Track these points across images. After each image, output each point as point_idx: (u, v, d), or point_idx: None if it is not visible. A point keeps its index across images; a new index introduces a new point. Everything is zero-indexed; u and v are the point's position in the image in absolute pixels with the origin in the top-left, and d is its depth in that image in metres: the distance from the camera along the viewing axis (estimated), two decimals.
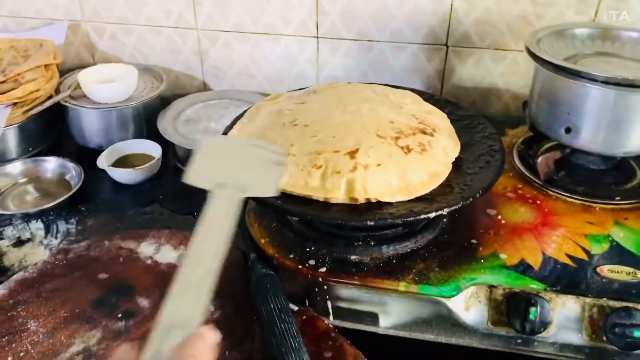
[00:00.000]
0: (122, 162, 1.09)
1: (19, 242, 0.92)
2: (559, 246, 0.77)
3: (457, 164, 0.78)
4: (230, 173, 0.58)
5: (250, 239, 0.79)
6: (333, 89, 0.90)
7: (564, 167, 0.91)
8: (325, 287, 0.74)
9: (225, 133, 0.86)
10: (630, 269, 0.73)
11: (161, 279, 0.78)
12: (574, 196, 0.85)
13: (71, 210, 0.99)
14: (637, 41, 0.90)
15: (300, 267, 0.74)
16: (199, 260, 0.46)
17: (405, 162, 0.72)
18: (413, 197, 0.71)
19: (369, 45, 1.17)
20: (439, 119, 0.83)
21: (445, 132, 0.80)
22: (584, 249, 0.77)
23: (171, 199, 1.03)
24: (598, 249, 0.77)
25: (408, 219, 0.68)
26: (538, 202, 0.86)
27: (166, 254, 0.83)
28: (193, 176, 0.59)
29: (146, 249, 0.84)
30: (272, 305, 0.69)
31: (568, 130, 0.84)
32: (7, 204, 1.00)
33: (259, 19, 1.19)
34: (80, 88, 1.12)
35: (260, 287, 0.72)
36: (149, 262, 0.81)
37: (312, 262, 0.74)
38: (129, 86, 1.13)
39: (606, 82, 0.77)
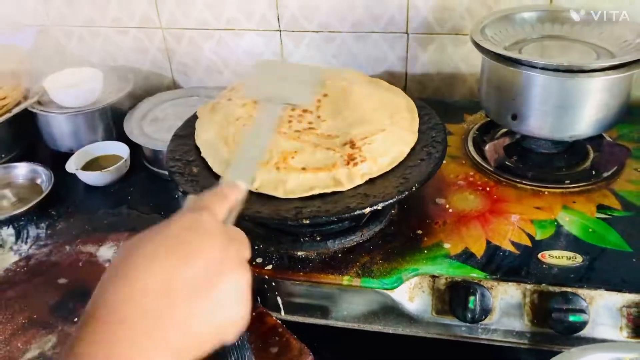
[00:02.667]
0: (93, 164, 1.11)
1: None
2: (504, 233, 0.78)
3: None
4: (275, 88, 0.69)
5: None
6: None
7: (515, 152, 0.91)
8: (273, 284, 0.75)
9: (182, 136, 0.88)
10: (571, 254, 0.74)
11: None
12: (524, 182, 0.86)
13: (42, 215, 1.01)
14: (585, 21, 0.90)
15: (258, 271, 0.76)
16: (253, 143, 0.58)
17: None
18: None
19: (331, 36, 1.17)
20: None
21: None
22: (529, 235, 0.78)
23: (139, 199, 1.05)
24: (543, 235, 0.78)
25: (343, 216, 0.69)
26: (488, 189, 0.86)
27: None
28: (248, 92, 0.76)
29: (105, 252, 0.86)
30: None
31: (514, 117, 0.84)
32: None
33: (220, 14, 1.19)
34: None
35: None
36: (106, 265, 0.83)
37: (259, 259, 0.76)
38: (94, 89, 1.15)
39: (545, 68, 0.77)
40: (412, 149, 0.79)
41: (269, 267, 0.75)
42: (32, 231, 0.98)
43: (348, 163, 0.74)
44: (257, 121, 0.62)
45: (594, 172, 0.87)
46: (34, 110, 1.13)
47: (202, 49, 1.25)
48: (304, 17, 1.16)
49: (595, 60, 0.80)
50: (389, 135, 0.77)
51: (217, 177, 0.77)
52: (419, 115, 0.86)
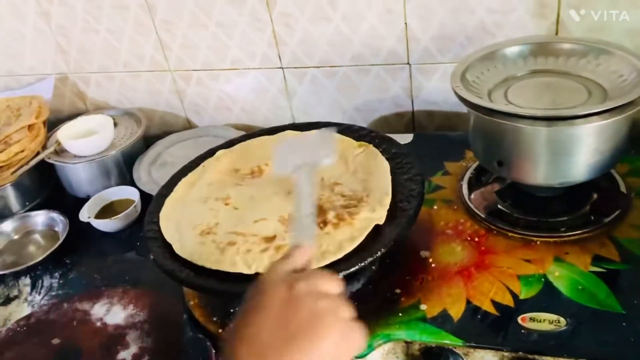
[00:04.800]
0: (107, 209, 1.15)
1: (7, 300, 1.00)
2: (487, 292, 0.75)
3: None
4: (300, 158, 0.73)
5: (183, 300, 0.82)
6: None
7: (510, 195, 0.86)
8: None
9: (171, 187, 0.89)
10: (555, 317, 0.69)
11: (106, 342, 0.83)
12: (515, 230, 0.81)
13: (57, 264, 1.06)
14: (571, 52, 0.83)
15: (220, 330, 0.76)
16: (302, 205, 0.62)
17: (320, 238, 0.72)
18: (319, 265, 0.70)
19: (333, 71, 1.16)
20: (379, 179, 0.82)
21: (376, 193, 0.79)
22: (512, 294, 0.73)
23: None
24: (528, 293, 0.73)
25: None
26: (477, 239, 0.82)
27: (115, 315, 0.88)
28: (276, 170, 0.77)
29: (99, 310, 0.89)
30: None
31: (500, 164, 0.80)
32: (3, 262, 1.08)
33: (224, 56, 1.20)
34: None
35: (188, 352, 0.75)
36: (98, 324, 0.86)
37: (215, 318, 0.76)
38: (105, 138, 1.19)
39: (527, 117, 0.72)
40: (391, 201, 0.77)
41: None
42: (47, 281, 1.03)
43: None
44: (299, 187, 0.66)
45: (592, 218, 0.81)
46: (50, 161, 1.18)
47: (210, 88, 1.26)
48: (304, 54, 1.15)
49: (582, 106, 0.74)
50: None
51: None
52: (402, 163, 0.83)
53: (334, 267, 0.68)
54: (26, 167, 1.16)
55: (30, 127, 1.20)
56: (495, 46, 0.87)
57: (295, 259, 0.52)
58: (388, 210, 0.75)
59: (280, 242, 0.73)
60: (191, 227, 0.79)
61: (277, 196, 0.82)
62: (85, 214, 1.11)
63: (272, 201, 0.81)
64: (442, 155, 1.00)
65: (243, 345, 0.45)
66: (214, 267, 0.71)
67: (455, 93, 0.79)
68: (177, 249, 0.76)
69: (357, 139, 0.90)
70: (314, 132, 0.87)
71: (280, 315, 0.46)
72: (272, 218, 0.78)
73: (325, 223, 0.74)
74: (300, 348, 0.45)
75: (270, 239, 0.74)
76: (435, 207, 0.89)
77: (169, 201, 0.85)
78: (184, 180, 0.89)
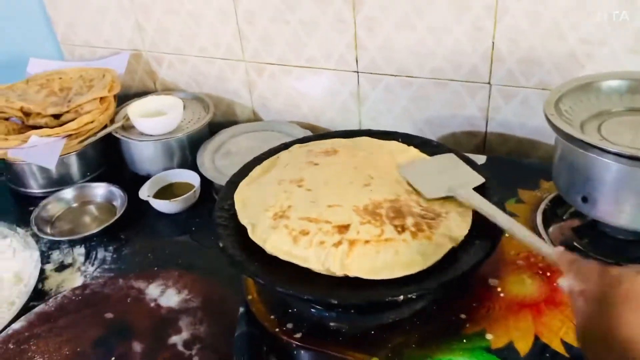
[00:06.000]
0: (166, 190, 1.16)
1: (61, 267, 1.01)
2: (557, 330, 0.71)
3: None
4: (448, 179, 0.79)
5: (241, 292, 0.81)
6: (354, 151, 0.89)
7: (588, 234, 0.83)
8: (302, 351, 0.74)
9: (244, 174, 0.88)
10: None
11: (159, 324, 0.83)
12: None
13: (112, 238, 1.07)
14: None
15: (277, 329, 0.75)
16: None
17: (395, 242, 0.70)
18: (395, 277, 0.68)
19: (409, 81, 1.14)
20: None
21: (454, 212, 0.76)
22: None
23: (203, 231, 1.08)
24: None
25: (373, 300, 0.66)
26: (549, 274, 0.79)
27: (169, 298, 0.87)
28: (427, 194, 0.78)
29: (153, 290, 0.89)
30: None
31: (585, 200, 0.76)
32: (60, 229, 1.10)
33: (301, 53, 1.20)
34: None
35: (238, 346, 0.74)
36: (152, 304, 0.86)
37: (290, 325, 0.75)
38: (174, 119, 1.19)
39: (618, 154, 0.69)
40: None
41: (298, 334, 0.74)
42: (100, 253, 1.04)
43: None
44: (478, 207, 0.73)
45: None
46: (117, 136, 1.19)
47: (282, 83, 1.25)
48: (383, 60, 1.13)
49: None
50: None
51: None
52: (484, 187, 0.81)
53: (406, 281, 0.66)
54: (93, 139, 1.18)
55: (101, 99, 1.21)
56: (591, 78, 0.84)
57: None
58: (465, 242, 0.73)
59: (354, 235, 0.71)
60: (264, 208, 0.77)
61: (353, 186, 0.80)
62: (145, 192, 1.11)
63: (347, 190, 0.79)
64: (516, 182, 0.97)
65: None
66: (286, 258, 0.70)
67: (549, 121, 0.76)
68: (250, 232, 0.75)
69: (432, 154, 0.88)
70: (436, 156, 0.88)
71: None
72: (347, 206, 0.75)
73: (403, 229, 0.72)
74: None
75: (343, 229, 0.72)
76: (506, 234, 0.86)
77: (243, 183, 0.84)
78: (258, 167, 0.88)
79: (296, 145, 0.93)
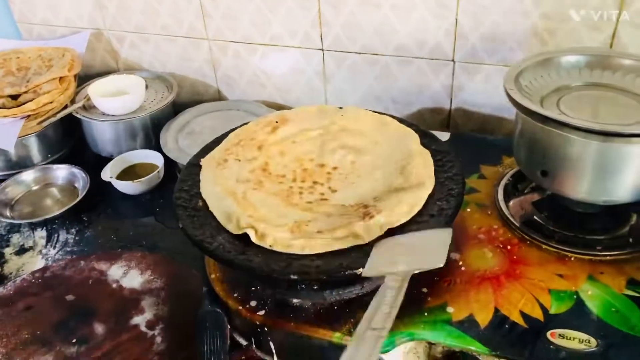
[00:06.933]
0: (129, 171, 1.14)
1: (22, 250, 0.99)
2: (516, 302, 0.73)
3: None
4: (402, 259, 0.66)
5: (203, 271, 0.81)
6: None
7: (547, 207, 0.84)
8: (266, 329, 0.74)
9: (204, 155, 0.87)
10: (585, 336, 0.67)
11: (121, 305, 0.82)
12: (550, 243, 0.79)
13: (74, 220, 1.05)
14: (630, 69, 0.81)
15: (240, 307, 0.74)
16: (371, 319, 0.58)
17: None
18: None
19: (374, 59, 1.13)
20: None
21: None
22: (542, 308, 0.72)
23: (167, 212, 1.06)
24: (558, 308, 0.71)
25: (335, 275, 0.66)
26: (509, 247, 0.80)
27: (132, 279, 0.86)
28: (366, 270, 0.66)
29: (115, 271, 0.88)
30: (205, 347, 0.71)
31: (544, 174, 0.77)
32: (20, 212, 1.07)
33: (265, 30, 1.18)
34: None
35: (201, 325, 0.74)
36: (114, 285, 0.85)
37: (253, 303, 0.75)
38: (136, 99, 1.17)
39: (577, 128, 0.70)
40: (429, 198, 0.75)
41: (261, 312, 0.74)
42: (62, 236, 1.02)
43: (364, 217, 0.70)
44: (381, 295, 0.61)
45: (631, 240, 0.79)
46: (78, 116, 1.16)
47: (247, 62, 1.24)
48: (348, 38, 1.13)
49: (635, 124, 0.72)
50: (402, 191, 0.74)
51: None
52: (442, 161, 0.81)
53: (366, 259, 0.67)
54: (53, 119, 1.15)
55: (61, 79, 1.18)
56: (550, 53, 0.85)
57: None
58: (426, 208, 0.73)
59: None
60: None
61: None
62: (108, 174, 1.09)
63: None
64: (479, 158, 0.98)
65: None
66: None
67: (509, 96, 0.76)
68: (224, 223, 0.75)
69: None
70: (430, 231, 0.72)
71: None
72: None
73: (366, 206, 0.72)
74: None
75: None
76: (468, 209, 0.87)
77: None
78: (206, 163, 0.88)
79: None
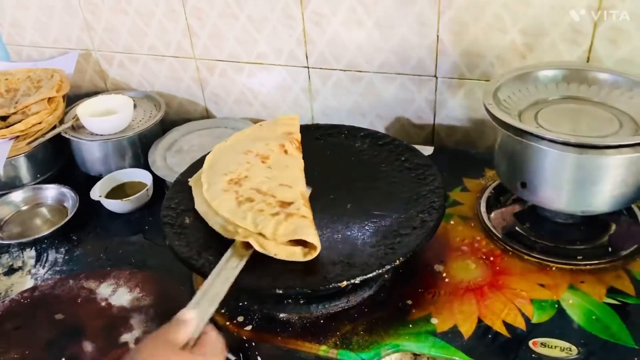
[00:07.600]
0: (118, 190, 1.14)
1: (10, 271, 0.99)
2: (499, 312, 0.74)
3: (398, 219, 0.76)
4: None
5: (192, 288, 0.82)
6: None
7: (529, 218, 0.86)
8: (253, 343, 0.75)
9: (191, 173, 0.89)
10: (566, 344, 0.69)
11: (110, 323, 0.82)
12: (532, 254, 0.81)
13: (63, 239, 1.05)
14: (605, 82, 0.83)
15: (228, 323, 0.75)
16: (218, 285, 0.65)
17: None
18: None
19: (359, 76, 1.15)
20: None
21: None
22: (525, 317, 0.73)
23: (156, 229, 1.07)
24: (540, 318, 0.73)
25: (319, 288, 0.67)
26: (492, 258, 0.82)
27: (121, 297, 0.87)
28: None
29: (104, 289, 0.88)
30: None
31: (524, 185, 0.79)
32: (9, 232, 1.07)
33: (251, 49, 1.20)
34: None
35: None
36: (103, 304, 0.86)
37: (240, 318, 0.76)
38: (124, 118, 1.18)
39: (554, 141, 0.72)
40: (409, 214, 0.76)
41: (249, 327, 0.75)
42: (52, 255, 1.02)
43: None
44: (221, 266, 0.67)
45: (610, 249, 0.81)
46: (67, 136, 1.17)
47: (234, 80, 1.26)
48: (332, 56, 1.15)
49: (611, 136, 0.74)
50: None
51: (206, 231, 0.77)
52: (424, 174, 0.83)
53: (350, 272, 0.68)
54: (42, 140, 1.16)
55: (50, 100, 1.20)
56: (528, 68, 0.87)
57: (179, 333, 0.57)
58: (408, 220, 0.75)
59: (293, 210, 0.74)
60: (224, 173, 0.82)
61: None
62: (97, 193, 1.10)
63: (302, 177, 0.84)
64: (461, 171, 1.00)
65: None
66: (227, 216, 0.74)
67: (487, 110, 0.78)
68: (205, 190, 0.79)
69: (381, 146, 0.90)
70: None
71: None
72: (296, 189, 0.80)
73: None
74: None
75: (286, 205, 0.75)
76: (452, 222, 0.89)
77: (220, 145, 0.90)
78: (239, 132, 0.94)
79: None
